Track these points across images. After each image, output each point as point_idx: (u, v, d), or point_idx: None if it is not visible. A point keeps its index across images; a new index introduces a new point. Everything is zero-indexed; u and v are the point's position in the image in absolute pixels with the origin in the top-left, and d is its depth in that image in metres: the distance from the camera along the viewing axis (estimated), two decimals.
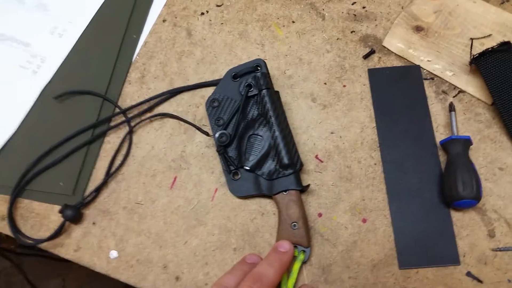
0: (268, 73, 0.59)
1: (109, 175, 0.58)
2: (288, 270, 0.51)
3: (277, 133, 0.55)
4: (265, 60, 0.59)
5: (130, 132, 0.60)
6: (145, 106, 0.62)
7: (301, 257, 0.51)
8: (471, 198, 0.51)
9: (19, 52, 0.66)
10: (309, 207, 0.55)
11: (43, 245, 0.55)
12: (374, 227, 0.54)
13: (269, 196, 0.55)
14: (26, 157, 0.58)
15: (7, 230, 0.56)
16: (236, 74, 0.59)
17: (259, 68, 0.59)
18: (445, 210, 0.54)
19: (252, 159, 0.55)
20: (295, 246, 0.52)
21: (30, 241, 0.55)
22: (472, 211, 0.54)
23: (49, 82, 0.64)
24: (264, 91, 0.56)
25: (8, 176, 0.58)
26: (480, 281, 0.51)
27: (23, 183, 0.57)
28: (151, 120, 0.61)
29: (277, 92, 0.60)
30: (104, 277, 0.56)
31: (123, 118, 0.61)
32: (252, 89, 0.57)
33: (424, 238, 0.53)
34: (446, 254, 0.52)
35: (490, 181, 0.55)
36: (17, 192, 0.57)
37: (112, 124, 0.61)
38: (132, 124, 0.61)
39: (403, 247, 0.53)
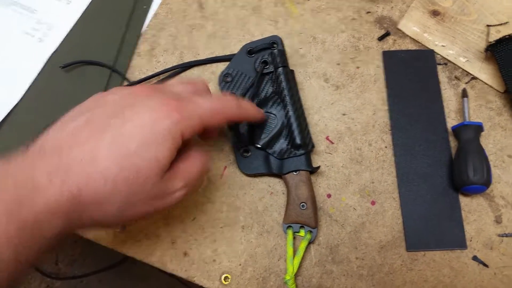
0: (284, 51, 0.58)
1: None
2: (294, 249, 0.52)
3: (291, 112, 0.54)
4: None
5: None
6: (154, 80, 0.61)
7: (308, 236, 0.52)
8: (481, 184, 0.51)
9: (24, 19, 0.64)
10: (318, 188, 0.55)
11: None
12: (383, 210, 0.54)
13: (278, 175, 0.55)
14: (31, 127, 0.57)
15: None
16: (252, 50, 0.58)
17: (275, 45, 0.58)
18: (454, 194, 0.55)
19: (264, 137, 0.55)
20: (302, 226, 0.52)
21: None
22: (480, 196, 0.55)
23: (56, 51, 0.62)
24: (280, 69, 0.56)
25: (13, 146, 0.57)
26: (485, 265, 0.52)
27: None
28: None
29: (292, 71, 0.59)
30: (97, 254, 0.55)
31: None
32: (267, 66, 0.57)
33: (432, 221, 0.54)
34: (453, 238, 0.53)
35: (499, 168, 0.56)
36: None
37: None
38: None
39: (411, 229, 0.53)
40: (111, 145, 0.35)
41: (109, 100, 0.39)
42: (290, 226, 0.52)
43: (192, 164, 0.41)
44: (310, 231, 0.52)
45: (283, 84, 0.55)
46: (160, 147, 0.36)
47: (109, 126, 0.35)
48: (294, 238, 0.53)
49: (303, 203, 0.52)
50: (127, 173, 0.34)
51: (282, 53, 0.57)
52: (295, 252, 0.51)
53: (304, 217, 0.52)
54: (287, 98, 0.55)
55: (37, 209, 0.31)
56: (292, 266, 0.50)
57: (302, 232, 0.52)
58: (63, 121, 0.38)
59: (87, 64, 0.61)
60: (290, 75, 0.57)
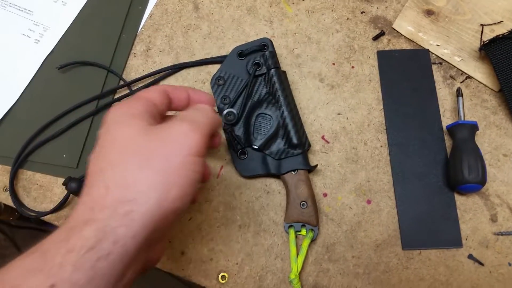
0: (275, 52, 0.58)
1: None
2: (297, 248, 0.52)
3: (286, 112, 0.55)
4: (273, 38, 0.59)
5: None
6: (150, 80, 0.61)
7: (310, 235, 0.52)
8: (476, 183, 0.52)
9: (21, 20, 0.64)
10: (314, 187, 0.56)
11: (46, 218, 0.55)
12: (379, 208, 0.55)
13: (276, 175, 0.55)
14: (28, 128, 0.57)
15: (9, 201, 0.55)
16: (242, 52, 0.58)
17: (266, 47, 0.58)
18: (449, 193, 0.55)
19: (261, 138, 0.55)
20: (303, 225, 0.52)
21: (32, 213, 0.54)
22: (475, 195, 0.55)
23: (52, 52, 0.62)
24: (273, 71, 0.56)
25: (9, 147, 0.57)
26: (481, 263, 0.52)
27: (25, 154, 0.56)
28: None
29: (284, 72, 0.59)
30: None
31: (128, 91, 0.60)
32: (260, 68, 0.57)
33: (427, 220, 0.54)
34: (449, 236, 0.53)
35: (494, 166, 0.56)
36: (19, 163, 0.56)
37: (117, 96, 0.60)
38: None
39: (407, 228, 0.53)
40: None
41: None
42: (291, 226, 0.53)
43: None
44: (312, 230, 0.52)
45: (277, 85, 0.55)
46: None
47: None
48: (296, 237, 0.53)
49: (304, 202, 0.52)
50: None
51: (274, 54, 0.57)
52: (298, 251, 0.52)
53: (305, 216, 0.52)
54: (282, 99, 0.55)
55: None
56: (296, 265, 0.51)
57: (303, 231, 0.53)
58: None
59: (83, 65, 0.61)
60: (282, 76, 0.57)
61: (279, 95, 0.55)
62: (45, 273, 0.28)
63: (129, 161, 0.33)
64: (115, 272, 0.30)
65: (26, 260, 0.29)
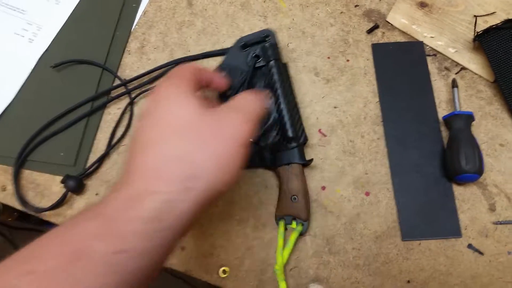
0: (277, 44, 0.58)
1: (111, 146, 0.57)
2: (285, 240, 0.52)
3: (282, 105, 0.54)
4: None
5: (131, 104, 0.59)
6: (146, 78, 0.61)
7: (299, 228, 0.52)
8: (474, 172, 0.52)
9: (14, 19, 0.63)
10: (312, 180, 0.56)
11: (46, 216, 0.54)
12: (377, 200, 0.55)
13: (271, 168, 0.55)
14: (23, 127, 0.57)
15: (8, 201, 0.55)
16: (245, 44, 0.58)
17: (268, 38, 0.58)
18: (447, 184, 0.55)
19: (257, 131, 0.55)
20: (294, 219, 0.52)
21: (32, 210, 0.54)
22: (473, 185, 0.55)
23: (46, 50, 0.62)
24: (272, 62, 0.56)
25: (6, 146, 0.57)
26: (480, 253, 0.52)
27: (26, 153, 0.56)
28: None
29: (285, 65, 0.59)
30: None
31: (123, 89, 0.60)
32: (260, 59, 0.57)
33: (426, 211, 0.54)
34: (448, 226, 0.53)
35: (491, 156, 0.56)
36: (21, 162, 0.55)
37: (113, 95, 0.60)
38: (133, 95, 0.60)
39: (406, 219, 0.54)
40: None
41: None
42: (282, 218, 0.53)
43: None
44: (302, 223, 0.52)
45: (275, 77, 0.55)
46: None
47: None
48: (286, 229, 0.53)
49: (295, 196, 0.52)
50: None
51: (274, 46, 0.57)
52: (285, 244, 0.52)
53: (295, 210, 0.52)
54: (279, 92, 0.55)
55: None
56: (281, 257, 0.50)
57: (294, 224, 0.52)
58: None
59: (78, 63, 0.61)
60: (282, 69, 0.57)
61: (276, 87, 0.55)
62: (112, 239, 0.29)
63: (186, 138, 0.34)
64: (173, 244, 0.32)
65: (90, 224, 0.30)
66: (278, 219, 0.53)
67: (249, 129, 0.37)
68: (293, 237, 0.52)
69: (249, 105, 0.39)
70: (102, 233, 0.29)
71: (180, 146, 0.33)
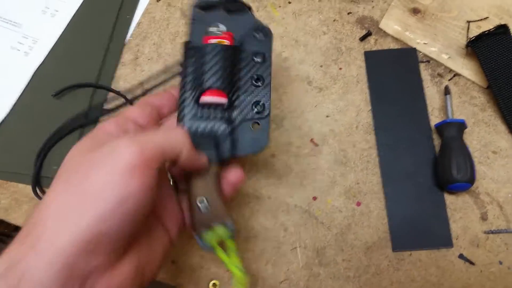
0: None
1: None
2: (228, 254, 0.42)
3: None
4: None
5: None
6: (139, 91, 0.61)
7: (225, 231, 0.41)
8: (465, 181, 0.51)
9: (10, 33, 0.64)
10: (304, 190, 0.56)
11: None
12: (368, 210, 0.55)
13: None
14: (20, 141, 0.58)
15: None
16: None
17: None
18: (439, 193, 0.55)
19: None
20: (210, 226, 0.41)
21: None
22: (465, 194, 0.55)
23: (42, 63, 0.63)
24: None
25: (2, 160, 0.58)
26: (472, 263, 0.52)
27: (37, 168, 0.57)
28: None
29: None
30: None
31: (118, 101, 0.61)
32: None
33: (417, 221, 0.54)
34: (439, 237, 0.53)
35: (483, 164, 0.56)
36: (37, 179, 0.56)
37: (108, 107, 0.61)
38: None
39: (396, 230, 0.53)
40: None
41: None
42: (205, 234, 0.41)
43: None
44: (224, 224, 0.41)
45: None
46: None
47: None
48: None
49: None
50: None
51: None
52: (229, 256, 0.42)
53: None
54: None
55: None
56: (238, 271, 0.41)
57: (218, 230, 0.41)
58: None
59: (77, 87, 0.61)
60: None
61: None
62: None
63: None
64: None
65: None
66: (201, 240, 0.42)
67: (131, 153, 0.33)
68: (229, 245, 0.42)
69: (151, 132, 0.39)
70: None
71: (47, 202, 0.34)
